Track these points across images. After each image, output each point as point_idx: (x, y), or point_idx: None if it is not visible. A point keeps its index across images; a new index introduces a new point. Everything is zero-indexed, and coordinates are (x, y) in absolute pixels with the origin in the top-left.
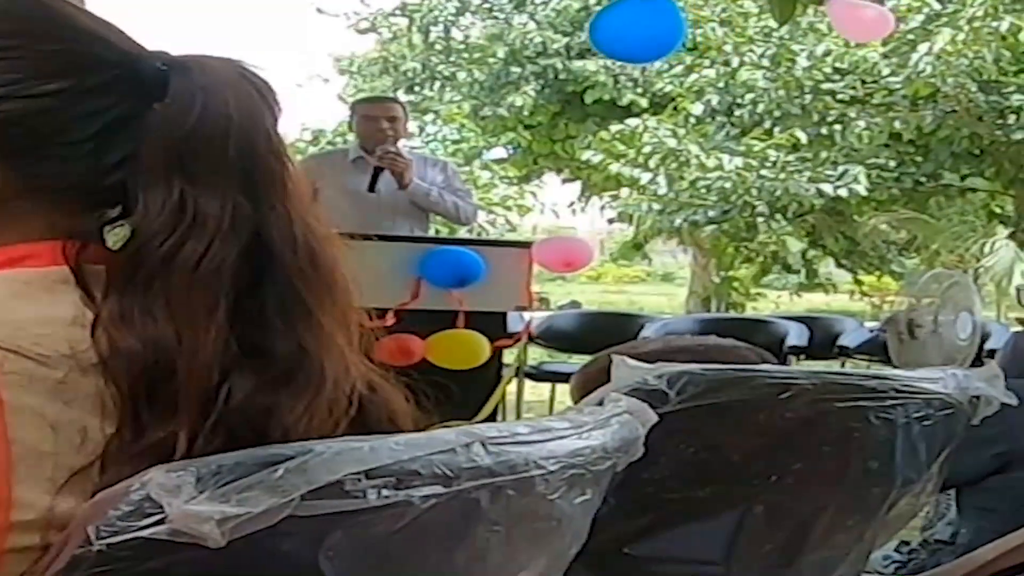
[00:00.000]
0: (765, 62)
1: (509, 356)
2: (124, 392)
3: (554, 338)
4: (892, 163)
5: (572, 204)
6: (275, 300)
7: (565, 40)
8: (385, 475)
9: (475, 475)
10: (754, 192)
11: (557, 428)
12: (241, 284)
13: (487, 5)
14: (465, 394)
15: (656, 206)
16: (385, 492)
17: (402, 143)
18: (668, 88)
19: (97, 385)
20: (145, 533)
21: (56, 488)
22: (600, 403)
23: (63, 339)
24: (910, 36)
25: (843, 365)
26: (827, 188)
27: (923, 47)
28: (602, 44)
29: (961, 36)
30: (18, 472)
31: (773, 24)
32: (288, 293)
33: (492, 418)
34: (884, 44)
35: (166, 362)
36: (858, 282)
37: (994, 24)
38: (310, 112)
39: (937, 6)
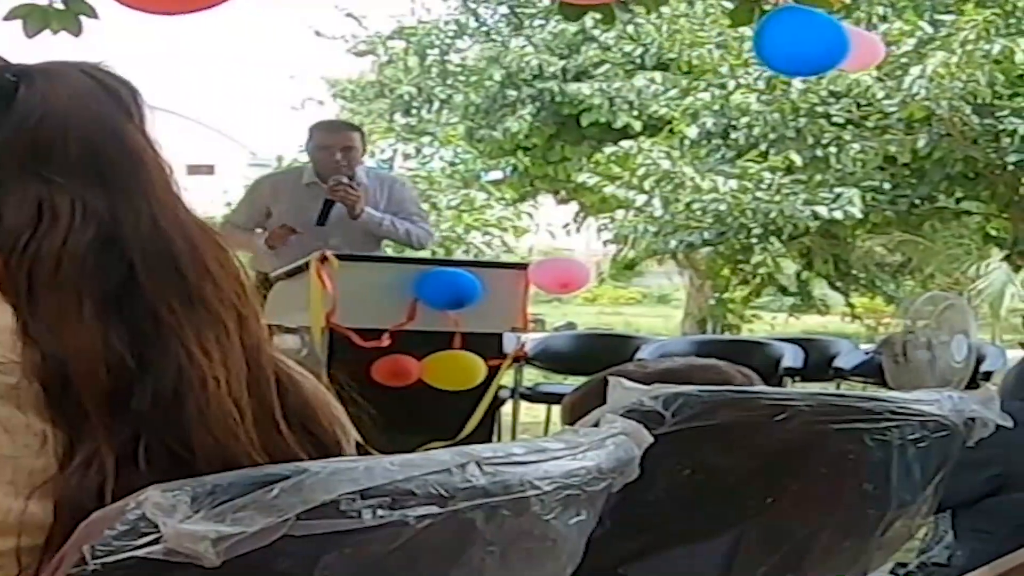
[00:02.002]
0: (760, 84)
1: (508, 378)
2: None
3: (550, 359)
4: (887, 186)
5: (567, 225)
6: (148, 295)
7: (562, 63)
8: (380, 495)
9: (470, 495)
10: (749, 214)
11: (552, 449)
12: (108, 282)
13: (484, 28)
14: (460, 415)
15: (652, 228)
16: (380, 512)
17: (359, 169)
18: (663, 111)
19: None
20: (140, 552)
21: (17, 491)
22: (596, 424)
23: (11, 346)
24: (903, 60)
25: (838, 387)
26: (822, 210)
27: (916, 70)
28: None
29: (954, 59)
30: None
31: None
32: (154, 287)
33: (487, 439)
34: (878, 68)
35: (61, 370)
36: (850, 305)
37: (986, 47)
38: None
39: (930, 30)
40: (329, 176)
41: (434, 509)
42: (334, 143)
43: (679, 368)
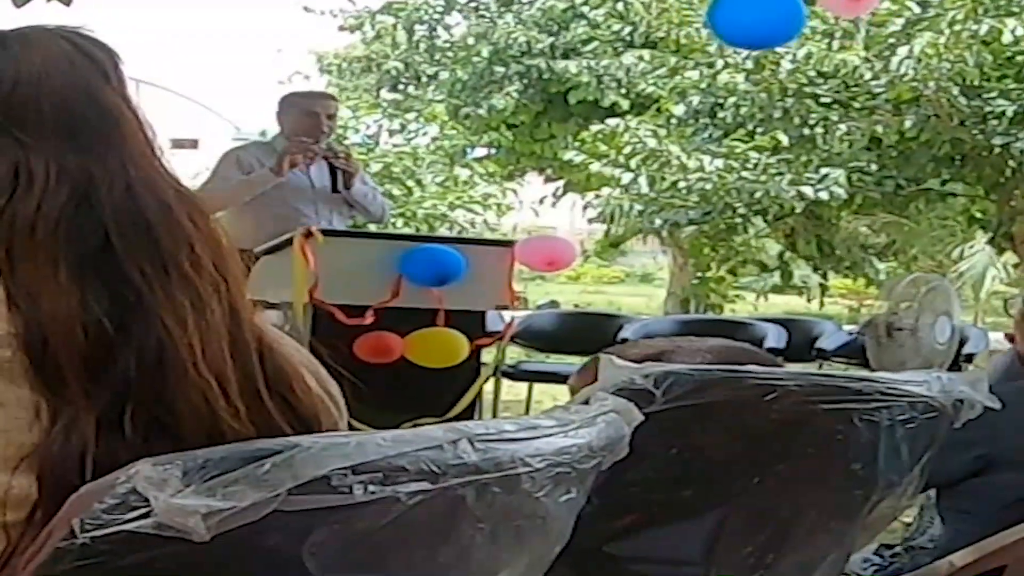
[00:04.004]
0: (749, 64)
1: (488, 355)
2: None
3: (533, 338)
4: (873, 167)
5: (544, 198)
6: (121, 259)
7: (550, 40)
8: (371, 471)
9: (461, 472)
10: (734, 194)
11: (544, 426)
12: (84, 245)
13: (473, 4)
14: (442, 392)
15: (637, 206)
16: (371, 488)
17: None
18: (651, 90)
19: None
20: (130, 527)
21: (7, 465)
22: (587, 402)
23: (5, 319)
24: (891, 40)
25: (820, 367)
26: (808, 191)
27: (903, 50)
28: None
29: (942, 40)
30: None
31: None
32: (127, 250)
33: (470, 417)
34: (866, 48)
35: (40, 335)
36: (823, 287)
37: (974, 27)
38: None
39: (917, 10)
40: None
41: (425, 485)
42: (321, 109)
43: (729, 348)
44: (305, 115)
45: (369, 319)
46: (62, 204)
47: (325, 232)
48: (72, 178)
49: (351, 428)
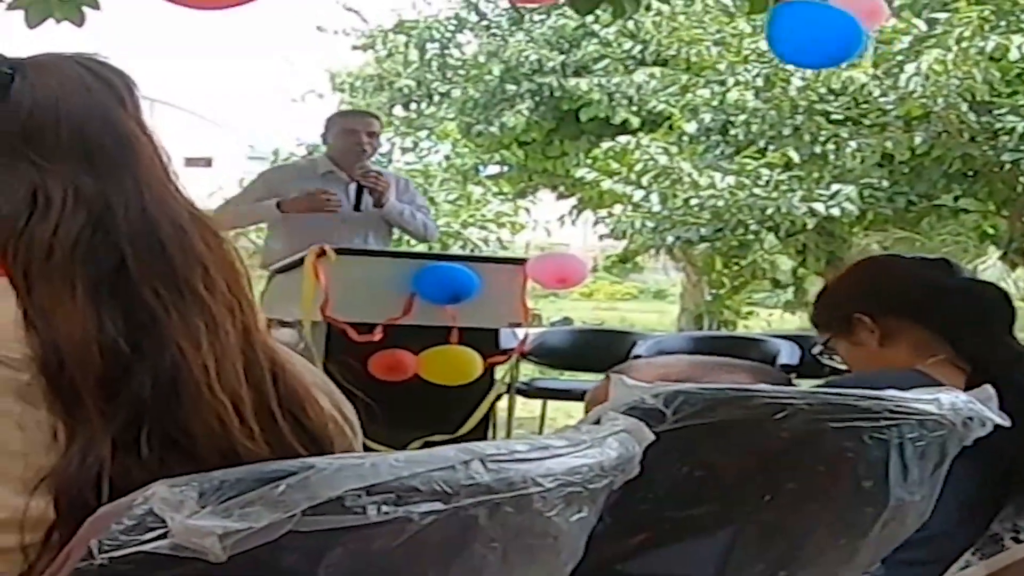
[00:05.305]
0: (759, 82)
1: (501, 372)
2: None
3: (546, 355)
4: (885, 183)
5: (562, 217)
6: (136, 281)
7: (561, 58)
8: (385, 491)
9: (474, 492)
10: (746, 210)
11: (555, 446)
12: (99, 267)
13: (484, 23)
14: (455, 409)
15: (649, 223)
16: (385, 508)
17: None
18: (662, 107)
19: None
20: (147, 547)
21: (27, 488)
22: (598, 421)
23: (22, 341)
24: (899, 57)
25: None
26: (819, 207)
27: (911, 67)
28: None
29: (950, 56)
30: None
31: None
32: (142, 272)
33: (483, 434)
34: (874, 65)
35: (56, 355)
36: None
37: (981, 44)
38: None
39: (924, 28)
40: (353, 161)
41: (438, 505)
42: (361, 127)
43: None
44: (346, 133)
45: (378, 336)
46: (78, 227)
47: (339, 251)
48: (88, 202)
49: (365, 447)
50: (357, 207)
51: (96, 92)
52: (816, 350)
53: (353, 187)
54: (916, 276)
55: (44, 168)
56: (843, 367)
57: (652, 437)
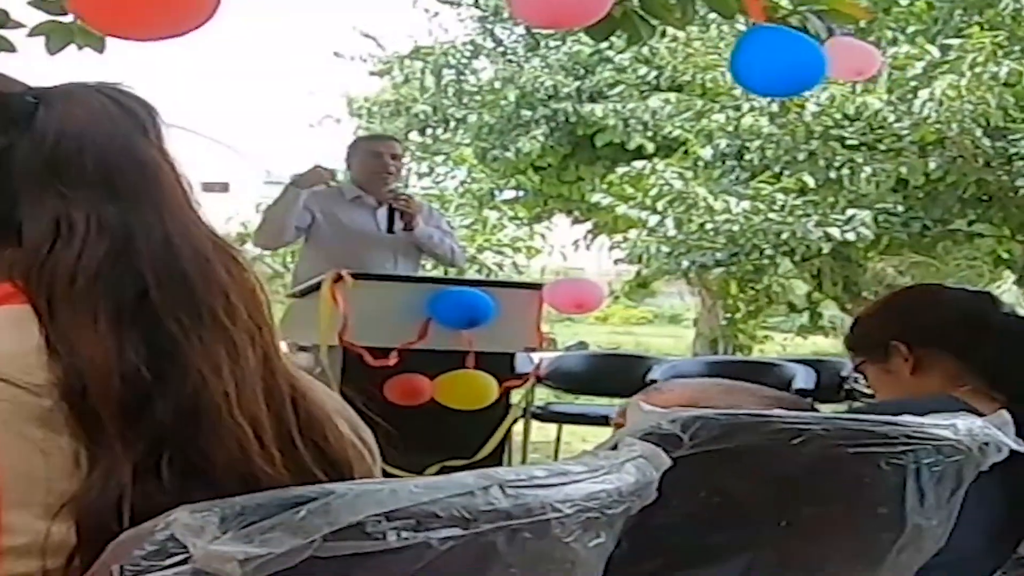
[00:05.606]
0: (774, 108)
1: (516, 396)
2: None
3: (562, 379)
4: (900, 208)
5: (577, 242)
6: (159, 309)
7: (576, 84)
8: (405, 517)
9: (493, 518)
10: (761, 235)
11: (573, 471)
12: (122, 295)
13: (500, 49)
14: (471, 434)
15: (664, 248)
16: (404, 534)
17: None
18: (677, 132)
19: None
20: (169, 573)
21: (49, 513)
22: (615, 447)
23: (45, 368)
24: (913, 83)
25: (850, 408)
26: (834, 232)
27: (924, 93)
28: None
29: (963, 82)
30: (8, 497)
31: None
32: (164, 301)
33: (499, 459)
34: (889, 91)
35: (79, 382)
36: None
37: (994, 69)
38: (322, 152)
39: (937, 54)
40: (379, 184)
41: (457, 531)
42: (385, 149)
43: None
44: (371, 156)
45: (393, 360)
46: (101, 255)
47: (355, 275)
48: (111, 230)
49: (383, 472)
50: (391, 229)
51: (119, 122)
52: (845, 372)
53: (382, 211)
54: (959, 310)
55: (68, 197)
56: (868, 391)
57: (669, 462)
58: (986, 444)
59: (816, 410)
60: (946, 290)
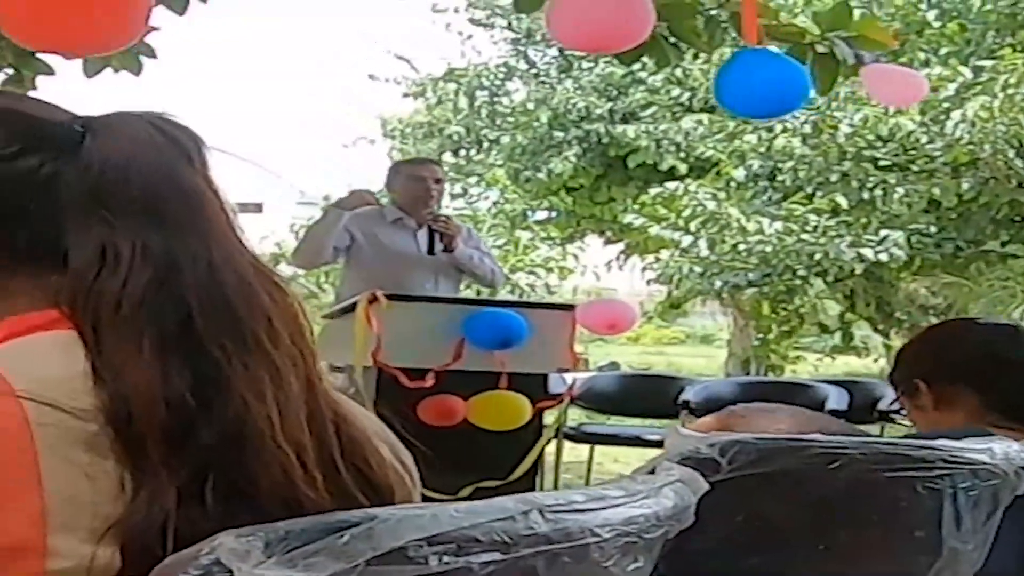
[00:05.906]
0: (807, 128)
1: (549, 417)
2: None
3: (594, 399)
4: (933, 229)
5: (610, 263)
6: (203, 336)
7: (609, 105)
8: (446, 541)
9: (533, 542)
10: (794, 256)
11: (612, 496)
12: (166, 322)
13: (533, 71)
14: (504, 455)
15: (697, 268)
16: (446, 558)
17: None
18: (709, 153)
19: None
20: None
21: (93, 536)
22: (652, 471)
23: (91, 394)
24: (945, 104)
25: (883, 430)
26: (867, 252)
27: (956, 114)
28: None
29: (996, 103)
30: (53, 521)
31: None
32: (208, 328)
33: (531, 479)
34: (921, 113)
35: (125, 408)
36: (887, 347)
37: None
38: (356, 173)
39: (970, 75)
40: (420, 207)
41: (497, 556)
42: (428, 174)
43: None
44: (413, 180)
45: (430, 382)
46: (146, 282)
47: (389, 296)
48: (156, 257)
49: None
50: (431, 251)
51: (164, 150)
52: (879, 394)
53: (423, 233)
54: (984, 345)
55: (113, 225)
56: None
57: (707, 487)
58: (1022, 468)
59: (867, 433)
60: (976, 326)
